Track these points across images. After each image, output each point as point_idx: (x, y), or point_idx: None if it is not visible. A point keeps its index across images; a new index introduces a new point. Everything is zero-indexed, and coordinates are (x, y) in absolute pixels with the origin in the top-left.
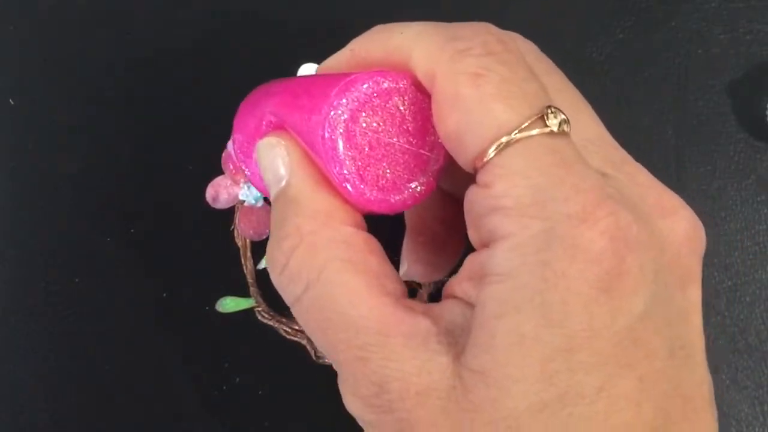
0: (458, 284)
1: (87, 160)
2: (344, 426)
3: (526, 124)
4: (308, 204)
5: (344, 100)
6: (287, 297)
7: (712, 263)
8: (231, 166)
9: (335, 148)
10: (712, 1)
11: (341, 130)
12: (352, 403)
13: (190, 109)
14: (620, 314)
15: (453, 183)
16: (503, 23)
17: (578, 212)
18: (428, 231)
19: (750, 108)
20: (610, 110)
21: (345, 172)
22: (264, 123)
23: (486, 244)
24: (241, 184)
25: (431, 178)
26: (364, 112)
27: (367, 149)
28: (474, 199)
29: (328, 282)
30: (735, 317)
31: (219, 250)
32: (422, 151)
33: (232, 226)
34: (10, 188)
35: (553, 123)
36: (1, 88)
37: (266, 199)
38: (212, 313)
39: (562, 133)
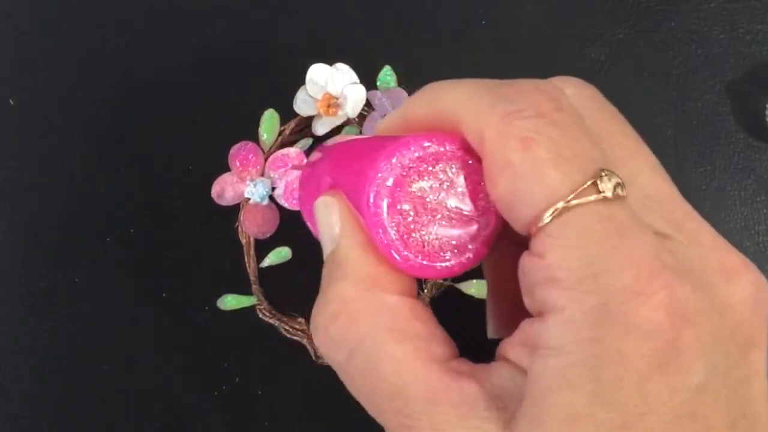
0: (511, 348)
1: (87, 160)
2: (344, 426)
3: (579, 190)
4: (354, 270)
5: (389, 165)
6: (331, 362)
7: None
8: (238, 164)
9: (379, 214)
10: (711, 1)
11: (385, 195)
12: None
13: (190, 109)
14: (676, 390)
15: (524, 238)
16: (503, 24)
17: (632, 285)
18: (508, 288)
19: (749, 108)
20: None
21: (389, 237)
22: (322, 183)
23: (540, 313)
24: (247, 182)
25: (481, 244)
26: (410, 176)
27: (412, 215)
28: (527, 266)
29: (372, 350)
30: None
31: (219, 251)
32: (471, 216)
33: (237, 223)
34: (10, 188)
35: (607, 187)
36: (1, 88)
37: (271, 198)
38: (212, 313)
39: (616, 198)
